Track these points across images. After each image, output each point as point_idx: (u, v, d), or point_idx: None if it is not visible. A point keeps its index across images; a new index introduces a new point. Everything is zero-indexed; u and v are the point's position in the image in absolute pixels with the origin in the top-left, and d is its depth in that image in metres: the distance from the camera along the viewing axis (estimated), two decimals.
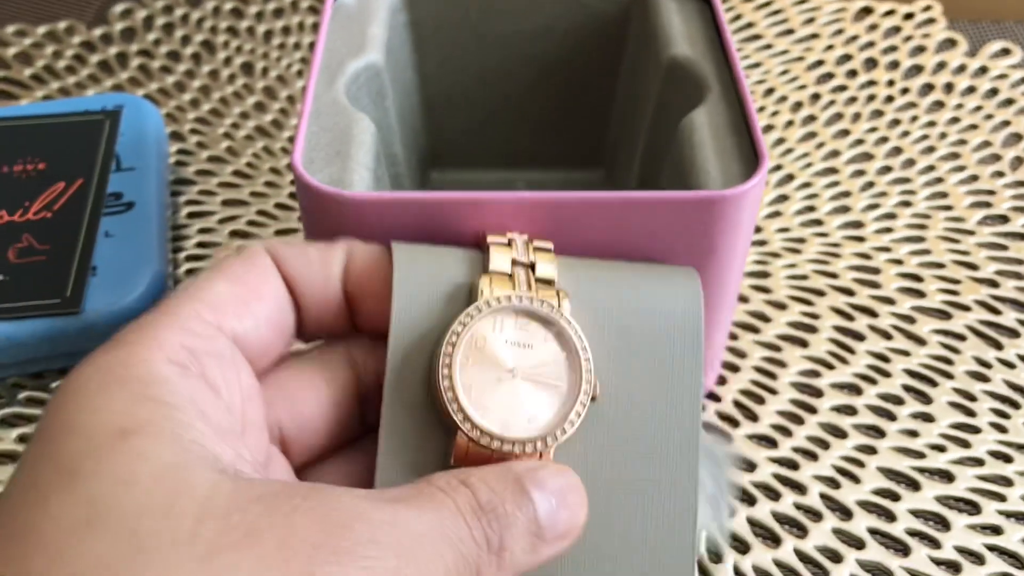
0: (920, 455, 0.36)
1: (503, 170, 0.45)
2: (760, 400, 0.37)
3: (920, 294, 0.41)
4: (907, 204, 0.45)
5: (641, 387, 0.28)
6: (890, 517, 0.34)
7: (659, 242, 0.30)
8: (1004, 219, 0.44)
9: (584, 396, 0.26)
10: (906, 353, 0.39)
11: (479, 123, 0.43)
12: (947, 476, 0.35)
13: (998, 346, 0.39)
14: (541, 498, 0.23)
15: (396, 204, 0.29)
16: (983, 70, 0.51)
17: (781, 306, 0.41)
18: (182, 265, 0.42)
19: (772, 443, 0.36)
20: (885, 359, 0.39)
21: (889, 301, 0.41)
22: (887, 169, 0.47)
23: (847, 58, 0.52)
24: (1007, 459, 0.36)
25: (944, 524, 0.34)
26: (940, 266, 0.42)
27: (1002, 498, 0.35)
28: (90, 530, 0.19)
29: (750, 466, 0.35)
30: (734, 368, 0.39)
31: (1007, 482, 0.35)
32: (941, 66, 0.52)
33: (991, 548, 0.33)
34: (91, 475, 0.19)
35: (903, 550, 0.33)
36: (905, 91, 0.50)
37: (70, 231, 0.39)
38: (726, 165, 0.30)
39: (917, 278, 0.42)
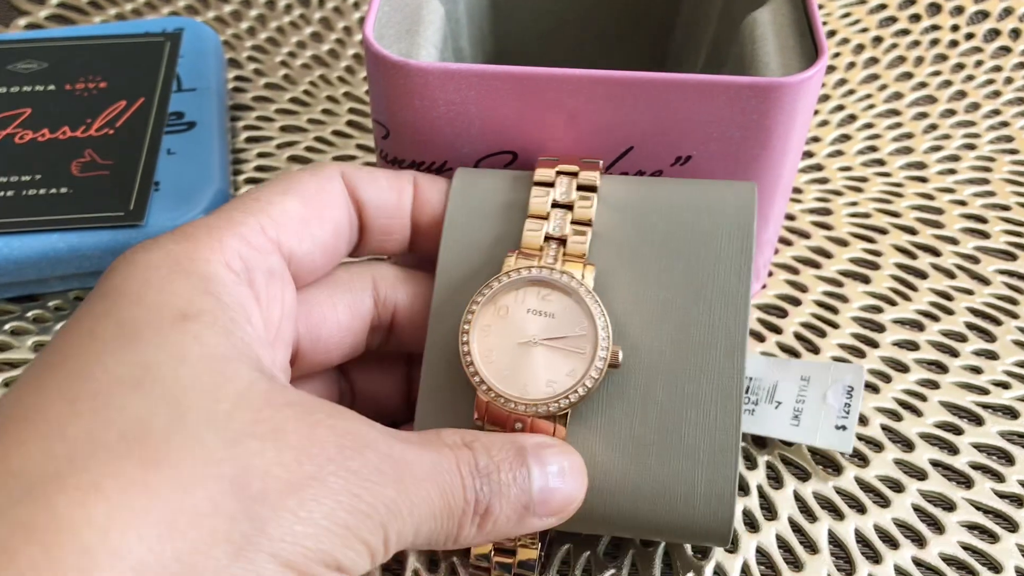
0: (984, 391, 0.35)
1: None
2: (822, 333, 0.37)
3: (984, 235, 0.41)
4: (971, 147, 0.44)
5: (685, 291, 0.28)
6: (953, 450, 0.34)
7: (715, 129, 0.30)
8: None
9: (600, 362, 0.27)
10: (969, 292, 0.39)
11: (546, 30, 0.43)
12: (1011, 412, 0.35)
13: None
14: (539, 474, 0.25)
15: (461, 75, 0.30)
16: None
17: (843, 243, 0.40)
18: (242, 188, 0.42)
19: None
20: (948, 297, 0.38)
21: (952, 241, 0.40)
22: (951, 112, 0.46)
23: (910, 2, 0.52)
24: None
25: (1008, 459, 0.34)
26: (1005, 208, 0.42)
27: None
28: (138, 389, 0.20)
29: None
30: (795, 302, 0.38)
31: None
32: (1008, 12, 0.51)
33: None
34: (148, 344, 0.21)
35: (966, 483, 0.33)
36: (970, 36, 0.50)
37: (132, 147, 0.39)
38: (786, 60, 0.31)
39: (981, 219, 0.41)
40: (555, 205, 0.29)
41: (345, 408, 0.23)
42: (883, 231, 0.41)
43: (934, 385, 0.36)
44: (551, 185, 0.29)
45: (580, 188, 0.29)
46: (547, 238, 0.29)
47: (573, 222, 0.29)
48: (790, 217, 0.41)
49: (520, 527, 0.24)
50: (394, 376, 0.30)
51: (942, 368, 0.36)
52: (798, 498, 0.33)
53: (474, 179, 0.31)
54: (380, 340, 0.29)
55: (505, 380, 0.27)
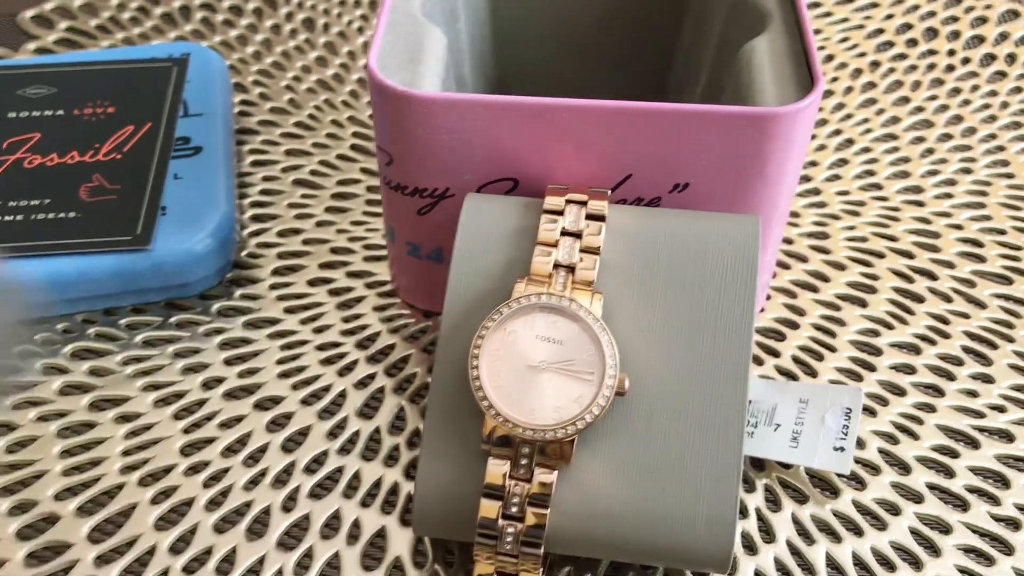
0: (980, 415, 0.36)
1: None
2: (819, 356, 0.38)
3: (980, 259, 0.41)
4: (967, 171, 0.45)
5: (690, 321, 0.29)
6: (949, 473, 0.34)
7: (712, 157, 0.31)
8: None
9: (607, 389, 0.27)
10: (966, 316, 0.39)
11: (547, 57, 0.43)
12: (1007, 436, 0.35)
13: None
14: None
15: (464, 105, 0.31)
16: None
17: (840, 267, 0.41)
18: (247, 211, 0.43)
19: None
20: (945, 321, 0.39)
21: (949, 265, 0.41)
22: (947, 136, 0.46)
23: (907, 27, 0.52)
24: None
25: (1004, 482, 0.34)
26: (1001, 232, 0.42)
27: None
28: None
29: None
30: (793, 325, 0.39)
31: None
32: (1003, 37, 0.51)
33: None
34: None
35: (962, 505, 0.33)
36: (966, 61, 0.50)
37: (140, 172, 0.40)
38: (782, 89, 0.31)
39: (977, 243, 0.42)
40: (564, 233, 0.30)
41: None
42: (880, 255, 0.41)
43: (931, 409, 0.36)
44: (560, 213, 0.30)
45: (589, 217, 0.30)
46: (556, 265, 0.29)
47: (582, 250, 0.29)
48: (788, 241, 0.42)
49: None
50: None
51: (939, 392, 0.37)
52: (796, 521, 0.33)
53: (484, 205, 0.31)
54: None
55: (513, 405, 0.27)
